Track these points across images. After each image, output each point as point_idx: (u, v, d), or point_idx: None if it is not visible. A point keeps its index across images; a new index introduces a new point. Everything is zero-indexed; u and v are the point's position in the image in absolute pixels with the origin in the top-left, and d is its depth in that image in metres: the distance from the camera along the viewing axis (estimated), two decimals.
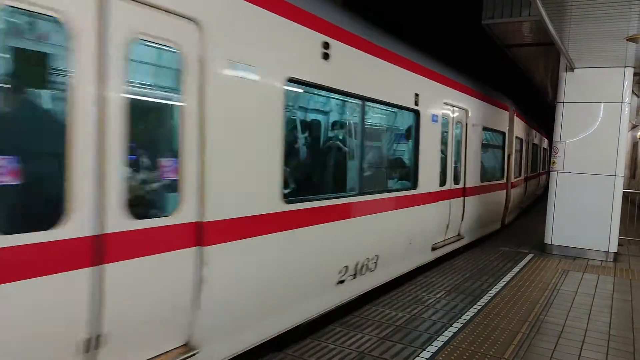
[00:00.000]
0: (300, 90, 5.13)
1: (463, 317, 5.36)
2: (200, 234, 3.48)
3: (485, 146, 10.62)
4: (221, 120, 3.61)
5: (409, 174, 7.12)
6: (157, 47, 3.33)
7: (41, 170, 2.88)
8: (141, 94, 3.44)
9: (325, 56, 4.77)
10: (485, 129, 10.20)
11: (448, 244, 8.49)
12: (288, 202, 4.39)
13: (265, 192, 4.13)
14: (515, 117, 12.64)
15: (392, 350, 4.40)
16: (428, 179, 7.41)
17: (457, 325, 5.10)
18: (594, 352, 4.62)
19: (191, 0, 3.34)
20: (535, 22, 8.07)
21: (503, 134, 11.84)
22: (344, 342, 4.55)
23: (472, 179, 9.55)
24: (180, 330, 3.43)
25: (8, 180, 2.49)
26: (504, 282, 6.90)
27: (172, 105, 3.60)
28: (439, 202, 7.89)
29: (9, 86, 2.70)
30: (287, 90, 4.34)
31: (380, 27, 6.29)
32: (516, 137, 12.94)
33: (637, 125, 18.57)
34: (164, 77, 3.62)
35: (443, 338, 4.73)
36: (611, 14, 5.85)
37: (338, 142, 5.87)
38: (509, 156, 12.27)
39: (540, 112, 22.02)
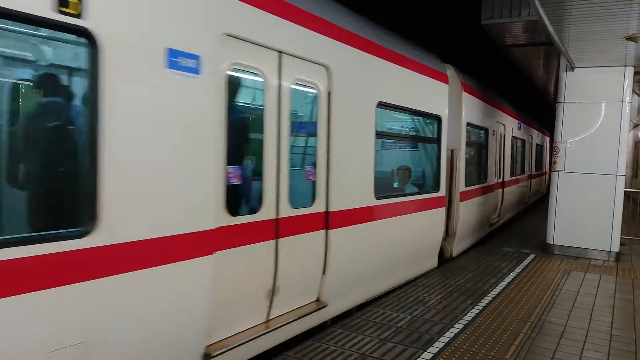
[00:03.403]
0: None
1: (465, 318, 5.36)
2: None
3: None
4: None
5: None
6: None
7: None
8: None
9: None
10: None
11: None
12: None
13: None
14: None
15: (393, 352, 4.40)
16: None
17: (458, 326, 5.10)
18: (595, 352, 4.61)
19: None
20: (534, 22, 8.07)
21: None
22: (344, 343, 4.55)
23: None
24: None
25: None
26: (506, 283, 6.89)
27: None
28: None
29: None
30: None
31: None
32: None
33: (638, 125, 18.55)
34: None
35: (444, 339, 4.73)
36: (610, 14, 5.85)
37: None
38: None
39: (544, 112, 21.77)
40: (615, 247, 8.68)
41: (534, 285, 6.80)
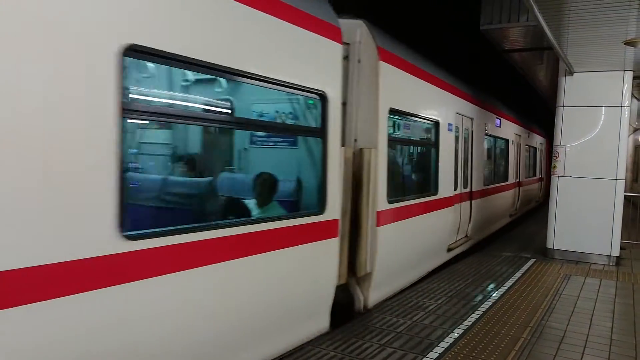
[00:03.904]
0: None
1: (464, 323, 5.35)
2: None
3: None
4: None
5: None
6: None
7: None
8: None
9: None
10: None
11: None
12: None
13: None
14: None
15: (393, 357, 4.39)
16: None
17: (458, 331, 5.09)
18: (595, 357, 4.60)
19: None
20: (533, 27, 8.09)
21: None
22: (344, 349, 4.54)
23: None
24: None
25: None
26: (506, 288, 6.88)
27: None
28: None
29: None
30: None
31: None
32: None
33: (638, 129, 18.56)
34: None
35: (444, 344, 4.72)
36: (609, 18, 5.87)
37: None
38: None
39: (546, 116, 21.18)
40: (616, 252, 8.67)
41: (534, 290, 6.79)
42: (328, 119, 4.74)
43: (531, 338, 4.97)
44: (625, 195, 8.90)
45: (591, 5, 5.47)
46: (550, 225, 9.12)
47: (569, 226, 8.93)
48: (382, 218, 5.82)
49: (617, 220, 8.58)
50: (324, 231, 4.78)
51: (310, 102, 4.94)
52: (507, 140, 13.01)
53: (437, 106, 7.75)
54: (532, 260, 8.81)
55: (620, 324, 5.54)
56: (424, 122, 7.57)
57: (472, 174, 9.80)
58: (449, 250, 8.57)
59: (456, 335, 4.97)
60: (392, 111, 6.10)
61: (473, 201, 9.78)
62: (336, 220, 4.93)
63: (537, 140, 18.66)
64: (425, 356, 4.43)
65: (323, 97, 4.70)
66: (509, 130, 13.10)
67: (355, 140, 5.60)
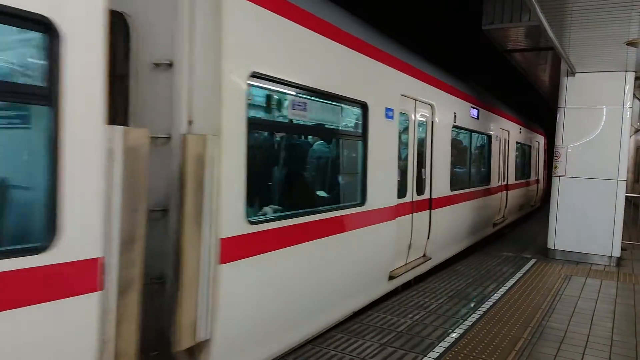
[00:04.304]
0: None
1: (465, 322, 5.35)
2: None
3: None
4: None
5: None
6: None
7: None
8: None
9: None
10: None
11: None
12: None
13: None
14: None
15: (393, 357, 4.40)
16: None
17: (459, 331, 5.09)
18: (596, 357, 4.60)
19: None
20: (535, 27, 8.09)
21: None
22: (344, 348, 4.55)
23: None
24: None
25: None
26: (507, 288, 6.88)
27: None
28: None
29: None
30: None
31: None
32: None
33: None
34: None
35: (445, 344, 4.72)
36: (611, 19, 5.86)
37: None
38: None
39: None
40: (617, 252, 8.67)
41: (535, 290, 6.79)
42: (63, 73, 2.56)
43: (531, 338, 4.97)
44: (626, 196, 8.90)
45: (593, 6, 5.47)
46: (551, 226, 9.12)
47: (570, 227, 8.93)
48: (235, 249, 3.64)
49: (618, 221, 8.58)
50: (55, 285, 2.56)
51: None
52: (489, 136, 10.87)
53: (363, 82, 5.54)
54: (533, 261, 8.81)
55: (621, 325, 5.54)
56: (334, 102, 5.19)
57: (432, 176, 7.62)
58: (392, 277, 6.33)
59: (456, 335, 4.98)
60: (258, 77, 3.88)
61: (433, 211, 7.61)
62: (90, 261, 2.71)
63: (533, 138, 16.39)
64: (425, 356, 4.44)
65: (49, 29, 2.49)
66: (492, 123, 10.94)
67: (190, 122, 3.44)
